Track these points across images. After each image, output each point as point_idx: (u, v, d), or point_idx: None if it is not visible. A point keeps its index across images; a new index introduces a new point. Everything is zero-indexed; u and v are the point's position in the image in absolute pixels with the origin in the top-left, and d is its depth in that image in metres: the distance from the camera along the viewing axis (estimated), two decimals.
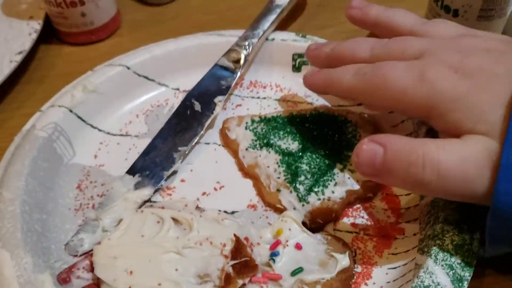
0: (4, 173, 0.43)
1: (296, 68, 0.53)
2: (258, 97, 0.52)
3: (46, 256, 0.38)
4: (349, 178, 0.41)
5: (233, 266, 0.35)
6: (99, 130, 0.49)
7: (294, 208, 0.40)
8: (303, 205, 0.40)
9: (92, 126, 0.49)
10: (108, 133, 0.49)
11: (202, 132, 0.47)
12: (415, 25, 0.40)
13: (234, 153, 0.46)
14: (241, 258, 0.36)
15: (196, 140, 0.46)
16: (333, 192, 0.41)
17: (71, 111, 0.47)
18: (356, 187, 0.41)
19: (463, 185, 0.31)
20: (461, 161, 0.31)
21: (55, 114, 0.47)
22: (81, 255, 0.40)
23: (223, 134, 0.47)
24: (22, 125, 0.48)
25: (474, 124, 0.32)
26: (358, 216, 0.41)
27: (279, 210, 0.41)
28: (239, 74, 0.50)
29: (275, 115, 0.47)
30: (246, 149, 0.45)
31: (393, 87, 0.35)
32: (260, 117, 0.48)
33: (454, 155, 0.31)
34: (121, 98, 0.51)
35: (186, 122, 0.47)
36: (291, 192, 0.41)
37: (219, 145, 0.47)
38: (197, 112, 0.48)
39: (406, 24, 0.41)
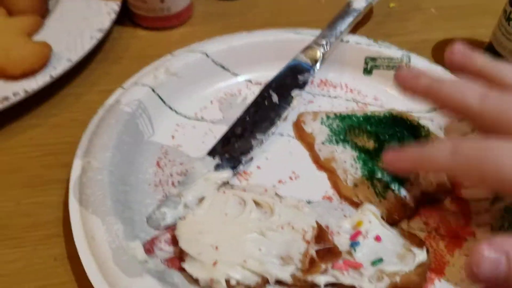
0: (90, 144, 0.44)
1: (368, 72, 0.55)
2: (329, 96, 0.53)
3: (131, 226, 0.40)
4: (423, 179, 0.43)
5: (317, 251, 0.37)
6: (177, 112, 0.51)
7: (372, 203, 0.41)
8: (380, 200, 0.42)
9: (170, 108, 0.51)
10: (185, 116, 0.51)
11: (278, 123, 0.48)
12: None
13: (309, 146, 0.48)
14: (324, 245, 0.37)
15: (273, 130, 0.48)
16: (408, 191, 0.42)
17: (153, 90, 0.49)
18: (430, 188, 0.43)
19: None
20: None
21: (139, 92, 0.48)
22: (163, 228, 0.41)
23: (299, 127, 0.49)
24: (98, 101, 0.50)
25: None
26: (430, 217, 0.42)
27: (355, 204, 0.43)
28: (316, 70, 0.52)
29: (349, 114, 0.49)
30: (323, 143, 0.47)
31: (507, 174, 0.31)
32: (335, 114, 0.49)
33: None
34: (197, 84, 0.53)
35: (264, 112, 0.49)
36: (368, 187, 0.43)
37: (293, 137, 0.49)
38: (274, 104, 0.49)
39: None
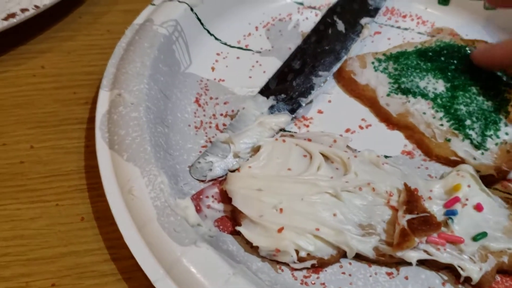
0: (118, 72, 0.36)
1: (443, 1, 0.45)
2: (399, 27, 0.45)
3: (174, 177, 0.32)
4: None
5: (409, 221, 0.30)
6: (216, 38, 0.42)
7: (475, 159, 0.34)
8: (482, 153, 0.34)
9: (209, 32, 0.42)
10: (225, 43, 0.42)
11: (345, 57, 0.40)
12: None
13: (370, 100, 0.39)
14: (417, 213, 0.30)
15: (339, 66, 0.39)
16: (506, 133, 0.35)
17: (192, 9, 0.40)
18: None
19: None
20: None
21: (175, 10, 0.40)
22: (208, 181, 0.34)
23: (349, 80, 0.40)
24: (121, 22, 0.41)
25: None
26: None
27: (453, 163, 0.35)
28: None
29: (400, 50, 0.41)
30: (388, 94, 0.38)
31: None
32: (384, 54, 0.41)
33: None
34: (240, 6, 0.44)
35: (328, 42, 0.40)
36: (463, 140, 0.35)
37: None
38: (340, 33, 0.41)
39: None
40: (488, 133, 0.35)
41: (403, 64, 0.40)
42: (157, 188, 0.30)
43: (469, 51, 0.40)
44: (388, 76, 0.39)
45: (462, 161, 0.34)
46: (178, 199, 0.30)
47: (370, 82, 0.39)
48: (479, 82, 0.38)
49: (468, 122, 0.36)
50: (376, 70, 0.40)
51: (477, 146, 0.35)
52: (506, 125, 0.36)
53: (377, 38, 0.44)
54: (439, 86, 0.38)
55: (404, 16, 0.46)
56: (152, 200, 0.29)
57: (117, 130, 0.32)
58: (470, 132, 0.35)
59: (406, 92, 0.38)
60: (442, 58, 0.40)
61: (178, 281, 0.27)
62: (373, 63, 0.40)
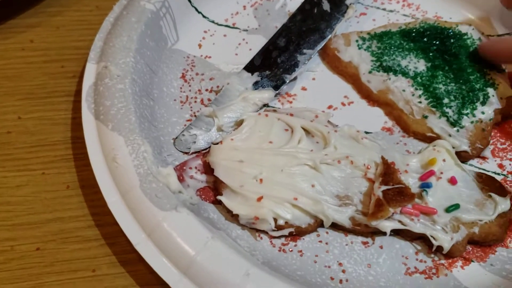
0: (106, 46, 0.36)
1: None
2: (384, 9, 0.45)
3: (158, 148, 0.33)
4: (493, 95, 0.37)
5: (384, 191, 0.31)
6: (204, 16, 0.43)
7: (450, 135, 0.35)
8: (457, 130, 0.35)
9: (196, 9, 0.43)
10: (213, 21, 0.43)
11: (330, 36, 0.40)
12: None
13: (352, 77, 0.40)
14: (392, 184, 0.31)
15: (323, 44, 0.40)
16: (482, 112, 0.36)
17: None
18: (499, 105, 0.37)
19: None
20: None
21: None
22: (192, 153, 0.35)
23: (333, 57, 0.41)
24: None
25: None
26: (505, 158, 0.36)
27: (430, 139, 0.36)
28: None
29: (385, 30, 0.41)
30: (370, 71, 0.39)
31: None
32: (368, 33, 0.42)
33: None
34: None
35: (313, 21, 0.41)
36: (439, 117, 0.36)
37: None
38: (325, 12, 0.41)
39: None
40: (465, 111, 0.36)
41: (386, 43, 0.40)
42: (140, 156, 0.30)
43: (451, 33, 0.41)
44: (371, 54, 0.40)
45: (438, 138, 0.35)
46: (161, 167, 0.30)
47: (353, 59, 0.40)
48: (460, 63, 0.39)
49: (445, 100, 0.37)
50: (359, 48, 0.40)
51: (453, 124, 0.35)
52: (482, 104, 0.37)
53: (363, 19, 0.44)
54: (420, 65, 0.39)
55: None
56: (135, 167, 0.30)
57: (103, 101, 0.33)
58: (447, 110, 0.36)
59: (387, 70, 0.39)
60: (425, 39, 0.40)
61: (159, 244, 0.28)
62: (357, 41, 0.41)
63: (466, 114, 0.36)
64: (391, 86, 0.38)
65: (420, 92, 0.37)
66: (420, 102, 0.37)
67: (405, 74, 0.38)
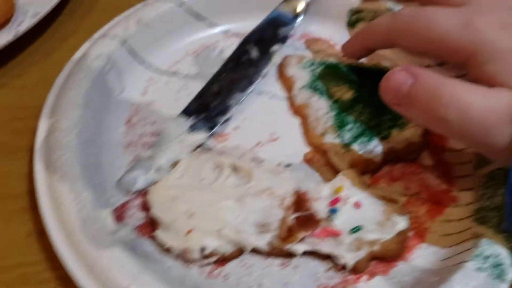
0: (56, 102, 0.42)
1: (351, 24, 0.52)
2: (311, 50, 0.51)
3: (101, 192, 0.38)
4: (395, 137, 0.42)
5: (295, 219, 0.36)
6: (148, 66, 0.48)
7: (336, 153, 0.41)
8: (343, 152, 0.41)
9: (141, 61, 0.48)
10: (157, 70, 0.48)
11: (258, 81, 0.46)
12: None
13: (287, 89, 0.46)
14: (302, 212, 0.36)
15: (252, 88, 0.45)
16: (375, 146, 0.41)
17: (124, 43, 0.46)
18: (399, 145, 0.41)
19: (481, 133, 0.31)
20: (486, 108, 0.30)
21: (108, 45, 0.45)
22: (133, 193, 0.40)
23: (281, 69, 0.47)
24: (68, 58, 0.46)
25: (508, 79, 0.31)
26: (411, 181, 0.41)
27: (321, 153, 0.42)
28: (298, 23, 0.48)
29: (336, 62, 0.47)
30: (301, 88, 0.45)
31: (436, 30, 0.34)
32: (321, 59, 0.47)
33: (480, 100, 0.31)
34: (171, 35, 0.50)
35: (242, 68, 0.46)
36: (335, 138, 0.42)
37: (273, 95, 0.47)
38: (253, 60, 0.47)
39: None
40: (359, 140, 0.41)
41: (330, 70, 0.46)
42: (82, 202, 0.35)
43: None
44: (312, 75, 0.46)
45: (326, 153, 0.41)
46: (100, 211, 0.35)
47: (294, 75, 0.46)
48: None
49: (349, 126, 0.42)
50: (303, 68, 0.47)
51: (343, 146, 0.41)
52: (380, 140, 0.41)
53: None
54: (347, 95, 0.44)
55: (317, 41, 0.51)
56: (77, 212, 0.35)
57: (52, 153, 0.38)
58: (345, 134, 0.41)
59: (314, 90, 0.45)
60: (366, 77, 0.45)
61: (98, 279, 0.32)
62: (306, 62, 0.47)
63: (359, 142, 0.41)
64: (311, 103, 0.44)
65: (332, 114, 0.43)
66: (326, 122, 0.42)
67: (329, 97, 0.44)
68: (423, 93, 0.32)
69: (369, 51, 0.42)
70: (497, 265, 0.33)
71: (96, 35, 0.47)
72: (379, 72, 0.45)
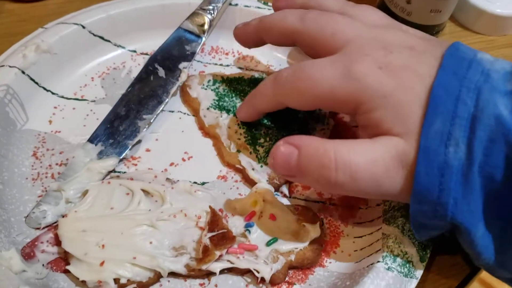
0: None
1: None
2: (221, 64, 0.51)
3: (7, 230, 0.36)
4: None
5: (210, 238, 0.36)
6: (52, 93, 0.46)
7: (253, 169, 0.41)
8: (261, 166, 0.41)
9: (45, 89, 0.46)
10: (62, 96, 0.46)
11: (167, 100, 0.45)
12: (344, 6, 0.39)
13: (195, 111, 0.46)
14: (217, 230, 0.36)
15: (161, 108, 0.45)
16: None
17: (23, 72, 0.44)
18: None
19: (374, 185, 0.32)
20: (371, 162, 0.32)
21: (6, 75, 0.43)
22: (43, 228, 0.38)
23: (184, 91, 0.47)
24: None
25: (392, 125, 0.32)
26: None
27: (239, 171, 0.42)
28: (204, 39, 0.49)
29: (237, 77, 0.47)
30: (208, 108, 0.45)
31: (319, 87, 0.34)
32: (222, 77, 0.47)
33: (364, 157, 0.32)
34: (75, 60, 0.48)
35: (150, 88, 0.45)
36: (250, 153, 0.42)
37: (184, 113, 0.46)
38: (161, 78, 0.46)
39: (334, 6, 0.39)
40: None
41: (234, 87, 0.46)
42: None
43: None
44: (215, 94, 0.46)
45: (244, 170, 0.41)
46: (4, 251, 0.34)
47: (199, 96, 0.46)
48: (291, 112, 0.43)
49: (261, 140, 0.43)
50: (207, 88, 0.46)
51: (259, 160, 0.41)
52: None
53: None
54: None
55: (227, 53, 0.52)
56: None
57: None
58: (259, 148, 0.42)
59: (222, 109, 0.45)
60: None
61: None
62: (209, 81, 0.47)
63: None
64: (220, 122, 0.44)
65: (243, 131, 0.43)
66: (239, 138, 0.43)
67: (235, 114, 0.44)
68: (310, 163, 0.33)
69: (262, 115, 0.43)
70: (405, 263, 0.35)
71: None
72: None
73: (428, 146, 0.30)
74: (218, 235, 0.36)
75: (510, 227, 0.30)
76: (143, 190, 0.39)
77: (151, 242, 0.36)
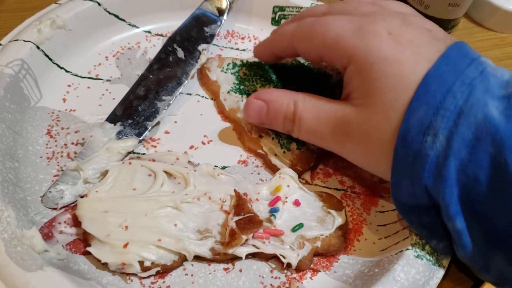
0: None
1: (276, 21, 0.52)
2: (237, 49, 0.50)
3: (25, 209, 0.35)
4: None
5: (236, 221, 0.35)
6: (66, 71, 0.45)
7: (276, 155, 0.40)
8: (284, 152, 0.40)
9: (58, 66, 0.45)
10: (76, 75, 0.45)
11: (186, 82, 0.44)
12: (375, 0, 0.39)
13: (214, 94, 0.45)
14: (243, 214, 0.35)
15: (180, 90, 0.44)
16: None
17: (38, 47, 0.42)
18: None
19: (318, 141, 0.37)
20: (315, 120, 0.35)
21: (21, 50, 0.41)
22: (60, 208, 0.37)
23: (203, 74, 0.46)
24: None
25: (359, 94, 0.33)
26: (345, 175, 0.42)
27: (259, 156, 0.42)
28: (223, 21, 0.48)
29: (257, 61, 0.46)
30: (228, 92, 0.44)
31: (330, 34, 0.35)
32: (241, 61, 0.46)
33: (312, 113, 0.35)
34: (89, 37, 0.47)
35: (170, 69, 0.44)
36: (272, 138, 0.41)
37: (202, 96, 0.45)
38: (180, 59, 0.45)
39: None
40: (296, 139, 0.40)
41: (254, 71, 0.45)
42: (4, 222, 0.32)
43: (315, 71, 0.46)
44: (236, 78, 0.45)
45: (265, 155, 0.41)
46: (25, 230, 0.32)
47: (218, 79, 0.45)
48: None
49: None
50: (227, 71, 0.45)
51: (281, 146, 0.41)
52: None
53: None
54: None
55: (243, 38, 0.51)
56: (0, 233, 0.32)
57: None
58: (281, 134, 0.41)
59: (243, 92, 0.44)
60: (290, 74, 0.45)
61: None
62: (228, 64, 0.46)
63: (296, 141, 0.40)
64: (241, 106, 0.43)
65: None
66: None
67: None
68: (276, 116, 0.38)
69: (276, 58, 0.43)
70: (433, 252, 0.35)
71: (4, 40, 0.43)
72: (303, 67, 0.46)
73: (407, 132, 0.31)
74: (245, 219, 0.35)
75: (481, 226, 0.30)
76: (166, 172, 0.38)
77: (175, 225, 0.35)
